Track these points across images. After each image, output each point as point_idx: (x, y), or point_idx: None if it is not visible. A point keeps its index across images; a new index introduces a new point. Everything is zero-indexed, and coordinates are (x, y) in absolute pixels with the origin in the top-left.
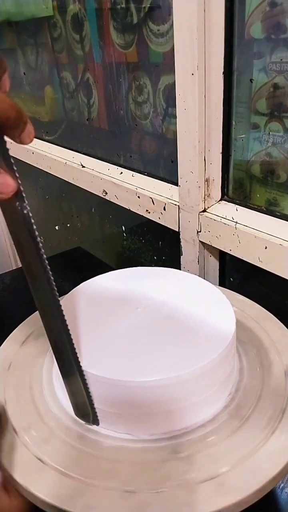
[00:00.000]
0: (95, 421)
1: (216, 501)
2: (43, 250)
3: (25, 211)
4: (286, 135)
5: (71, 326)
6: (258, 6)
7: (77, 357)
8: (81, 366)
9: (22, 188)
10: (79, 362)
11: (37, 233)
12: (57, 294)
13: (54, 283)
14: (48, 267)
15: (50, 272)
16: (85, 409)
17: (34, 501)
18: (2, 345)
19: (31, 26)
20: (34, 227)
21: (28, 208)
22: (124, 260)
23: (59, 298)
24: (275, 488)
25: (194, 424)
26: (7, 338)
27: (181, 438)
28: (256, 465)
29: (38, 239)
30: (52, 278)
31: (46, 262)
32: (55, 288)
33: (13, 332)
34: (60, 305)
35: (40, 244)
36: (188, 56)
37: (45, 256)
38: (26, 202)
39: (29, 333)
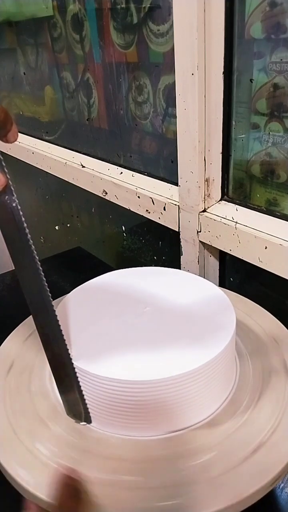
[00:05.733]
0: (87, 419)
1: (216, 501)
2: (31, 241)
3: (13, 204)
4: (286, 135)
5: (72, 326)
6: (258, 6)
7: (69, 355)
8: (72, 364)
9: (11, 183)
10: (71, 359)
11: (25, 225)
12: (46, 285)
13: (42, 273)
14: (37, 257)
15: (39, 262)
16: (77, 408)
17: (34, 500)
18: (2, 344)
19: (31, 26)
20: (23, 219)
21: (17, 201)
22: (124, 260)
23: (48, 291)
24: (275, 488)
25: (194, 423)
26: (7, 338)
27: (182, 438)
28: (256, 464)
29: (27, 230)
30: (41, 268)
31: (35, 252)
32: (44, 279)
33: (13, 332)
34: (50, 298)
35: (29, 236)
36: (188, 56)
37: (33, 247)
38: (15, 195)
39: (29, 333)
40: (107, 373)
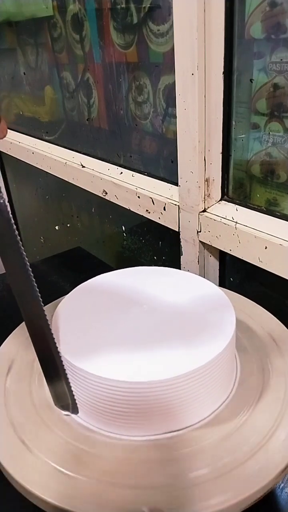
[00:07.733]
0: (74, 410)
1: (216, 501)
2: (19, 237)
3: (1, 201)
4: (286, 135)
5: (71, 326)
6: (258, 6)
7: (57, 348)
8: (60, 357)
9: None
10: (59, 352)
11: (13, 221)
12: (34, 280)
13: (30, 269)
14: (24, 253)
15: (26, 258)
16: (65, 399)
17: (32, 499)
18: (2, 345)
19: (31, 26)
20: (11, 215)
21: (5, 198)
22: (124, 260)
23: (36, 286)
24: (275, 488)
25: (194, 424)
26: (7, 338)
27: (182, 438)
28: (256, 465)
29: (15, 227)
30: (28, 264)
31: (23, 248)
32: (32, 274)
33: (13, 332)
34: (38, 293)
35: (16, 232)
36: (188, 56)
37: (21, 243)
38: (2, 192)
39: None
40: (105, 373)
